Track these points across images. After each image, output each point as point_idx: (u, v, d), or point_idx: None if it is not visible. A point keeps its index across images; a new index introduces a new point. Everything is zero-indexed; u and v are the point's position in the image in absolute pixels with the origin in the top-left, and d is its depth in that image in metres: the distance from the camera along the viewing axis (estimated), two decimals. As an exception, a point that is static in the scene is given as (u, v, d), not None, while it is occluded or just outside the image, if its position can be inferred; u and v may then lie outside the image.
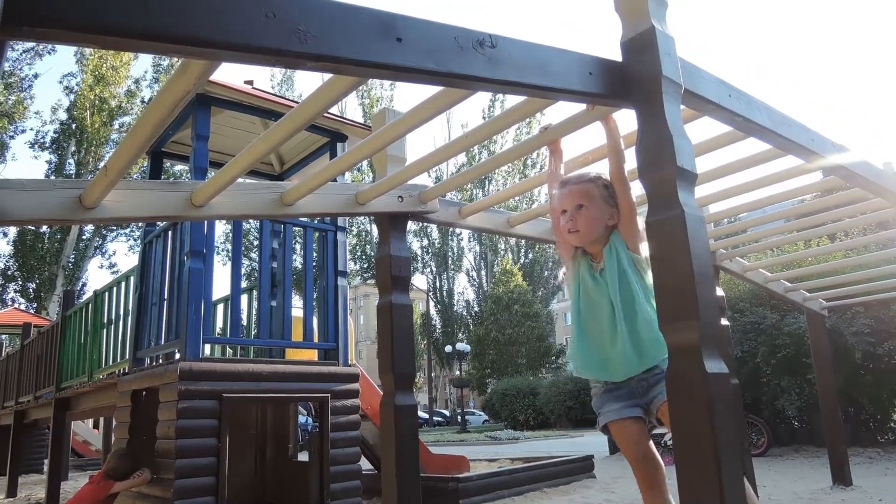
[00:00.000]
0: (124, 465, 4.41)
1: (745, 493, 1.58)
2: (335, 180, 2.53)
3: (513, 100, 2.00)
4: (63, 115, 26.32)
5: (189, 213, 1.98)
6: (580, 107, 2.14)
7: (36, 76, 25.41)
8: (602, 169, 2.23)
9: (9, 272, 26.21)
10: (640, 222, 2.13)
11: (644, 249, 2.05)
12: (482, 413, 34.64)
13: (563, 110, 2.31)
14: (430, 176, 29.34)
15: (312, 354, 5.24)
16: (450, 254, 39.47)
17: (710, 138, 2.61)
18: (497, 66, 1.42)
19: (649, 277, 2.01)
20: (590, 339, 1.95)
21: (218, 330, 6.27)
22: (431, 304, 38.89)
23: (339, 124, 5.20)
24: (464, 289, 43.92)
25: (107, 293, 5.90)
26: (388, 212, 2.50)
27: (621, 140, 2.13)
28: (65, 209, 1.76)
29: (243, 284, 5.37)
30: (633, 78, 1.73)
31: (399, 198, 2.53)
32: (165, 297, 4.81)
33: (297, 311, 5.35)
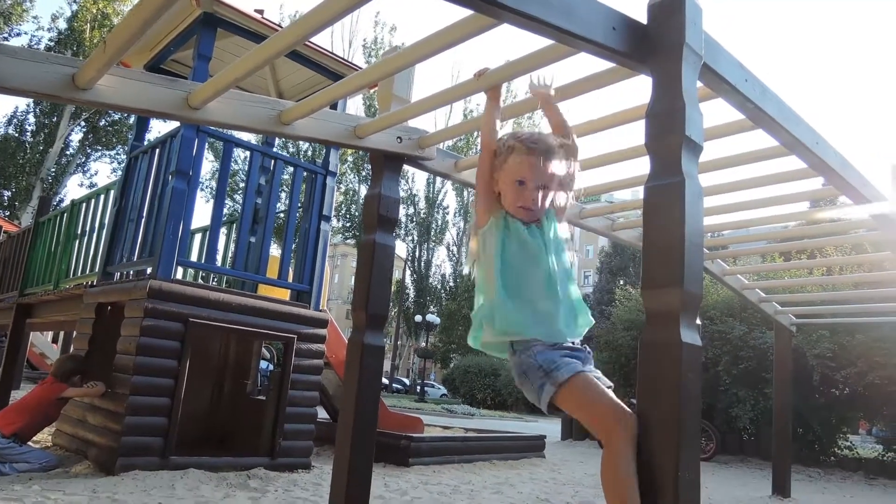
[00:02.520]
0: (66, 367, 4.43)
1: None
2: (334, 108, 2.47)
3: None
4: (62, 25, 25.56)
5: (184, 113, 1.92)
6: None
7: (38, -20, 24.62)
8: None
9: (-16, 176, 25.62)
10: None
11: (564, 230, 1.92)
12: (441, 387, 34.93)
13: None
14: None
15: (284, 295, 5.20)
16: (433, 226, 39.29)
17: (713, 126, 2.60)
18: (523, -3, 1.38)
19: (571, 256, 1.90)
20: (522, 295, 1.75)
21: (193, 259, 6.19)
22: (408, 272, 38.85)
23: (345, 68, 5.09)
24: (442, 262, 43.76)
25: (84, 203, 5.78)
26: (385, 150, 2.46)
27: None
28: (56, 85, 1.70)
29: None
30: (655, 41, 1.70)
31: (398, 138, 2.49)
32: (144, 214, 4.72)
33: (275, 251, 5.30)
